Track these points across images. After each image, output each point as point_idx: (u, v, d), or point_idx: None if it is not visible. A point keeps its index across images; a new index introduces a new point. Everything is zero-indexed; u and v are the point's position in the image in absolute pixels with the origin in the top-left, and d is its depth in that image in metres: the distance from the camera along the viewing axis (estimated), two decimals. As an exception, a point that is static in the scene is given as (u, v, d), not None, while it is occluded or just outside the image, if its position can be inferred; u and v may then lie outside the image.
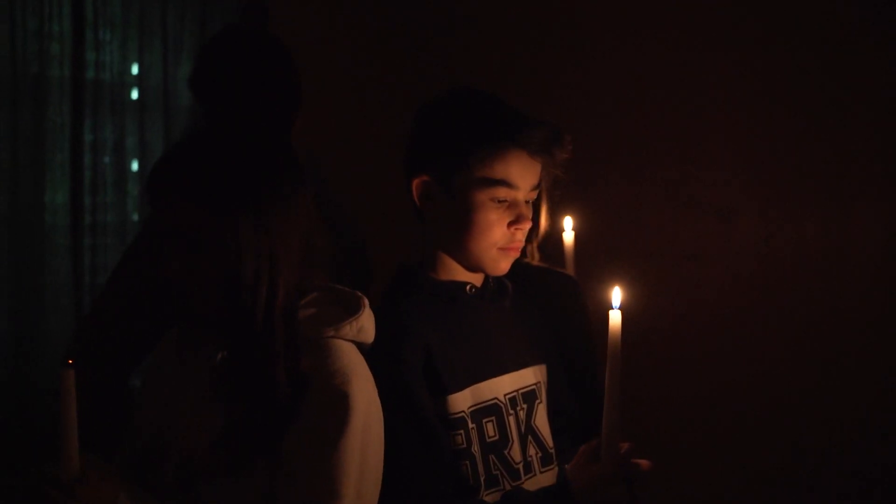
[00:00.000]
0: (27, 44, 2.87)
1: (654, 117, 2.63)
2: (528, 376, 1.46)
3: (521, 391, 1.44)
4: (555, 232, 1.97)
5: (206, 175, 1.17)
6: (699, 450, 2.54)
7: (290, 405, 1.17)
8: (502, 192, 1.36)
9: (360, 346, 1.27)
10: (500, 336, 1.45)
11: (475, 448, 1.36)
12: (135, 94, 3.09)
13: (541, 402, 1.47)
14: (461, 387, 1.36)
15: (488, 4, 2.81)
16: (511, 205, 1.38)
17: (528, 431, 1.44)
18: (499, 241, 1.39)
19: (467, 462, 1.34)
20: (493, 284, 1.48)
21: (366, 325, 1.26)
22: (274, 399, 1.16)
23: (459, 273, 1.43)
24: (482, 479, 1.35)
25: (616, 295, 1.25)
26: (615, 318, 1.24)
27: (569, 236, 2.03)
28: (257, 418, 1.16)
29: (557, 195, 1.82)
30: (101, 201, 2.99)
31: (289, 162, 1.24)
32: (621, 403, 1.26)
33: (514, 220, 1.38)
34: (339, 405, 1.16)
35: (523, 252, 1.70)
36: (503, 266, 1.41)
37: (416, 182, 1.40)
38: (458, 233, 1.38)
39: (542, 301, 1.58)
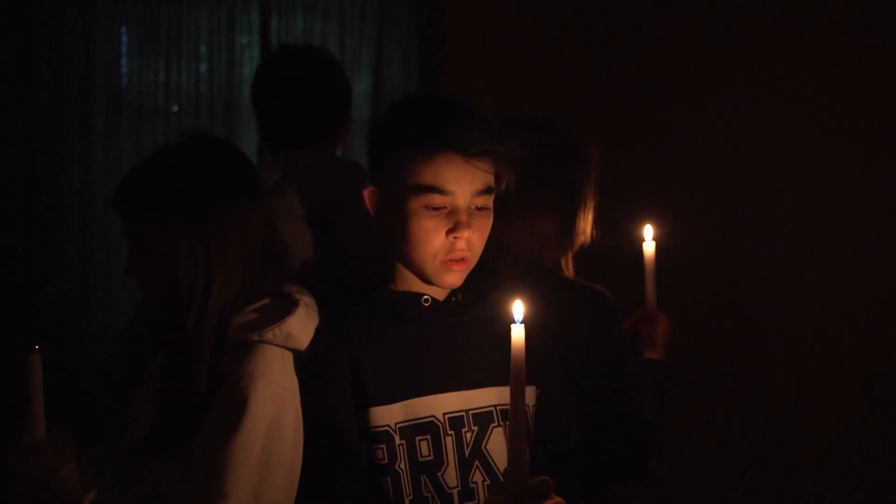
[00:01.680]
0: (220, 71, 3.16)
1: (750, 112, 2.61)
2: (484, 397, 1.36)
3: (470, 412, 1.34)
4: (615, 242, 1.87)
5: (149, 186, 1.29)
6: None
7: (206, 403, 1.25)
8: (436, 199, 1.29)
9: (297, 353, 1.31)
10: (451, 352, 1.35)
11: (402, 465, 1.30)
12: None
13: (498, 425, 1.35)
14: (390, 400, 1.30)
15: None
16: (450, 212, 1.29)
17: (476, 455, 1.34)
18: (439, 252, 1.30)
19: (388, 479, 1.29)
20: (460, 298, 1.38)
21: (293, 332, 1.29)
22: (192, 396, 1.25)
23: (415, 285, 1.36)
24: (407, 500, 1.29)
25: (518, 308, 1.09)
26: (517, 332, 1.07)
27: (649, 247, 1.85)
28: (179, 413, 1.26)
29: (596, 200, 1.74)
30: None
31: (232, 176, 1.32)
32: (527, 431, 1.17)
33: (451, 229, 1.29)
34: (237, 406, 1.22)
35: (557, 264, 1.71)
36: (450, 279, 1.32)
37: (365, 193, 1.37)
38: (400, 243, 1.32)
39: (555, 318, 1.47)
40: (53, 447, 1.29)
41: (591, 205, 1.73)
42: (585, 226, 1.72)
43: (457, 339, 1.37)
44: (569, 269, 1.74)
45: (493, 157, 1.30)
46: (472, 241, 1.31)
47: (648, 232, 1.83)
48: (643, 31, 2.89)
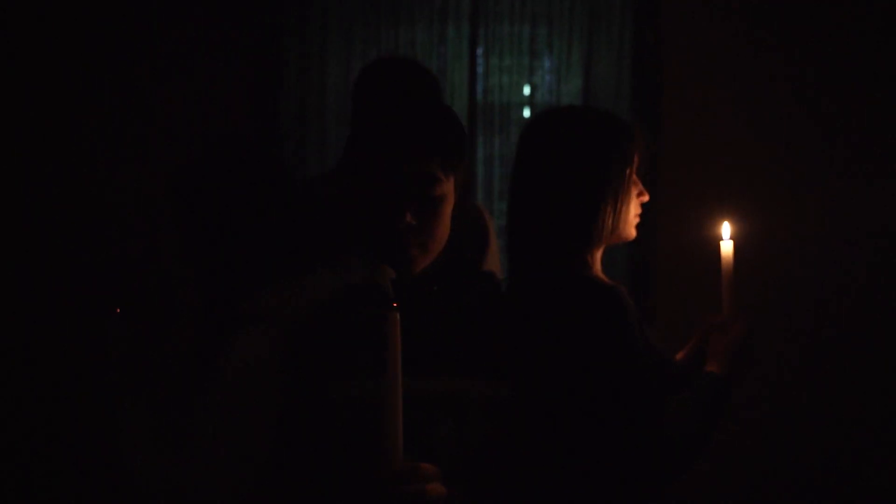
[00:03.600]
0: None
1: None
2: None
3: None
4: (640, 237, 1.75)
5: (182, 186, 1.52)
6: None
7: None
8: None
9: None
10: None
11: None
12: (526, 113, 3.36)
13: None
14: None
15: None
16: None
17: None
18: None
19: None
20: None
21: None
22: None
23: None
24: None
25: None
26: (393, 318, 1.10)
27: (727, 247, 1.68)
28: None
29: (638, 193, 1.68)
30: (495, 209, 3.29)
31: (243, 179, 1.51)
32: (399, 409, 1.12)
33: None
34: None
35: (580, 259, 1.62)
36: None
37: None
38: None
39: (543, 316, 1.54)
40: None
41: (624, 198, 1.64)
42: (614, 220, 1.63)
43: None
44: (594, 266, 1.65)
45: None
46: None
47: (726, 230, 1.69)
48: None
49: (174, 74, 3.28)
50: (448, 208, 1.39)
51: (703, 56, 3.18)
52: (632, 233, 1.70)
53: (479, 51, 3.32)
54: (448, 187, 1.38)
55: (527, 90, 3.36)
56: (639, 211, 1.71)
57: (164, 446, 1.47)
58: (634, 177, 1.68)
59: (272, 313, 1.45)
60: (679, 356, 1.71)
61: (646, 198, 1.71)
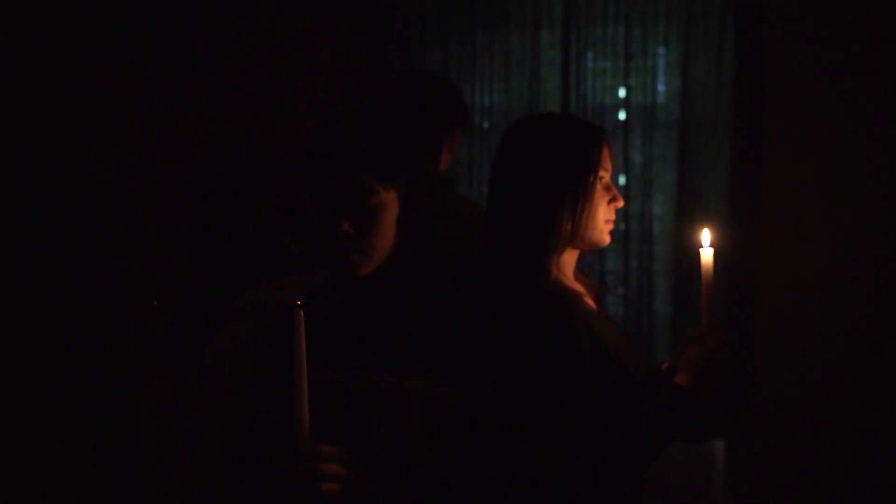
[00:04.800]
0: (523, 87, 3.36)
1: None
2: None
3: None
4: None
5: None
6: None
7: None
8: None
9: None
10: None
11: None
12: (622, 116, 3.33)
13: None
14: None
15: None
16: None
17: None
18: None
19: None
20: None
21: None
22: None
23: None
24: None
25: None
26: (298, 316, 1.32)
27: (707, 254, 1.58)
28: None
29: (607, 195, 1.68)
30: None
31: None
32: (305, 395, 1.30)
33: None
34: None
35: (539, 263, 1.63)
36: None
37: None
38: None
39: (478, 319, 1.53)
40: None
41: (586, 204, 1.64)
42: (574, 226, 1.63)
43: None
44: (557, 270, 1.65)
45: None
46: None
47: (706, 237, 1.61)
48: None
49: (280, 98, 3.43)
50: (387, 217, 1.49)
51: (807, 56, 3.06)
52: (603, 238, 1.70)
53: (572, 55, 3.32)
54: (386, 197, 1.48)
55: (622, 92, 3.33)
56: (610, 217, 1.71)
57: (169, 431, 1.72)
58: (607, 182, 1.69)
59: (249, 312, 1.68)
60: (664, 366, 1.67)
61: (619, 203, 1.71)
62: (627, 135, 3.31)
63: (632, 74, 3.31)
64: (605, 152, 1.69)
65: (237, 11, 3.47)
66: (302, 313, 1.28)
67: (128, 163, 3.50)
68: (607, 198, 1.69)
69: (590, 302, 1.74)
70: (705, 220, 1.66)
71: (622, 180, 3.32)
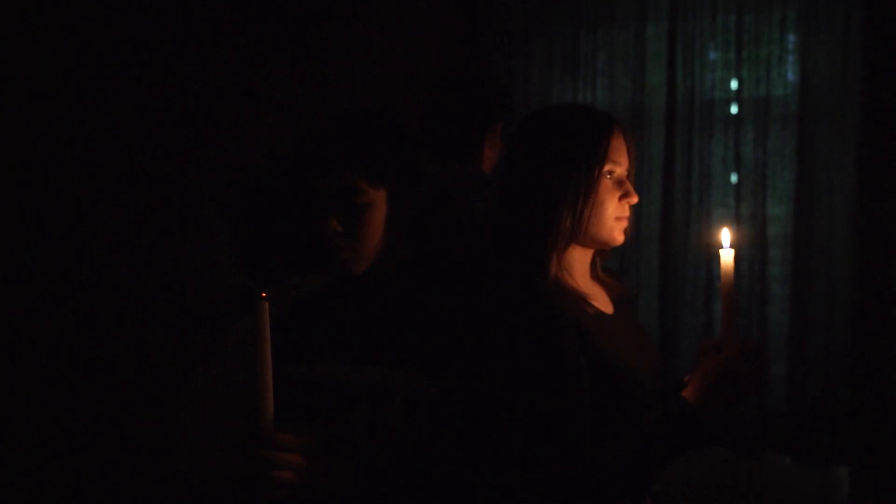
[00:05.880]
0: (625, 84, 3.22)
1: None
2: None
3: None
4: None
5: None
6: None
7: None
8: None
9: None
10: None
11: None
12: (734, 109, 3.11)
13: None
14: None
15: None
16: None
17: None
18: None
19: None
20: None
21: None
22: None
23: None
24: None
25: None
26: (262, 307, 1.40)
27: (727, 256, 1.46)
28: None
29: (618, 190, 1.60)
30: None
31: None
32: (269, 385, 1.37)
33: None
34: None
35: (539, 261, 1.56)
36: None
37: None
38: None
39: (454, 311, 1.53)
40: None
41: (589, 200, 1.54)
42: (574, 223, 1.54)
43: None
44: (560, 268, 1.55)
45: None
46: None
47: (726, 237, 1.49)
48: None
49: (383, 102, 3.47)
50: (376, 215, 1.52)
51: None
52: (613, 237, 1.61)
53: (678, 47, 3.14)
54: (374, 196, 1.51)
55: (734, 85, 3.11)
56: (622, 214, 1.60)
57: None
58: (619, 176, 1.59)
59: (275, 302, 1.71)
60: (686, 378, 1.55)
61: (633, 199, 1.61)
62: (739, 130, 3.08)
63: (744, 65, 3.08)
64: (618, 144, 1.59)
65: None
66: (266, 304, 1.34)
67: (184, 160, 3.63)
68: (618, 193, 1.60)
69: (601, 305, 1.63)
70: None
71: (733, 179, 3.09)
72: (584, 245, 1.62)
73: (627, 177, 1.63)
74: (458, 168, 2.18)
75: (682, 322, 3.07)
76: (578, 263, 1.63)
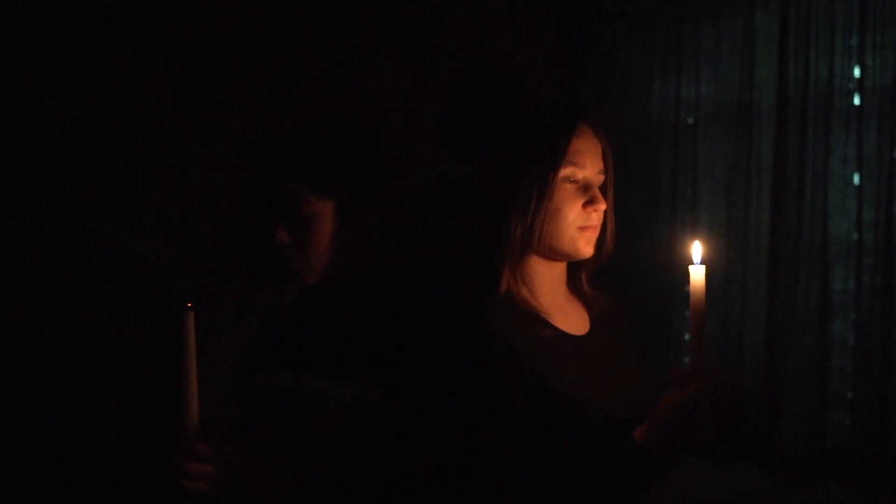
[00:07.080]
0: (731, 79, 2.93)
1: None
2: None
3: None
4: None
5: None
6: None
7: None
8: None
9: None
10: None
11: None
12: (856, 100, 2.75)
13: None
14: None
15: None
16: None
17: None
18: None
19: None
20: None
21: None
22: None
23: None
24: None
25: None
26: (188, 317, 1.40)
27: (697, 273, 1.23)
28: None
29: (583, 197, 1.45)
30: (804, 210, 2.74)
31: None
32: (194, 392, 1.40)
33: None
34: None
35: (492, 272, 1.44)
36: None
37: None
38: None
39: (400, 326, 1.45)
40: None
41: (542, 207, 1.37)
42: (525, 232, 1.38)
43: None
44: (517, 283, 1.40)
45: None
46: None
47: (697, 251, 1.28)
48: None
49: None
50: (323, 226, 1.50)
51: None
52: (576, 248, 1.43)
53: (791, 34, 2.81)
54: (320, 207, 1.50)
55: (856, 73, 2.75)
56: (587, 223, 1.43)
57: None
58: (585, 181, 1.42)
59: (259, 311, 1.77)
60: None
61: (599, 207, 1.42)
62: (862, 123, 2.72)
63: (868, 51, 2.72)
64: (583, 144, 1.42)
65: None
66: (192, 314, 1.38)
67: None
68: (581, 200, 1.42)
69: (567, 324, 1.47)
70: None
71: (855, 179, 2.73)
72: (546, 257, 1.46)
73: (605, 181, 1.45)
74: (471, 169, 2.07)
75: (791, 342, 2.74)
76: (542, 277, 1.47)
